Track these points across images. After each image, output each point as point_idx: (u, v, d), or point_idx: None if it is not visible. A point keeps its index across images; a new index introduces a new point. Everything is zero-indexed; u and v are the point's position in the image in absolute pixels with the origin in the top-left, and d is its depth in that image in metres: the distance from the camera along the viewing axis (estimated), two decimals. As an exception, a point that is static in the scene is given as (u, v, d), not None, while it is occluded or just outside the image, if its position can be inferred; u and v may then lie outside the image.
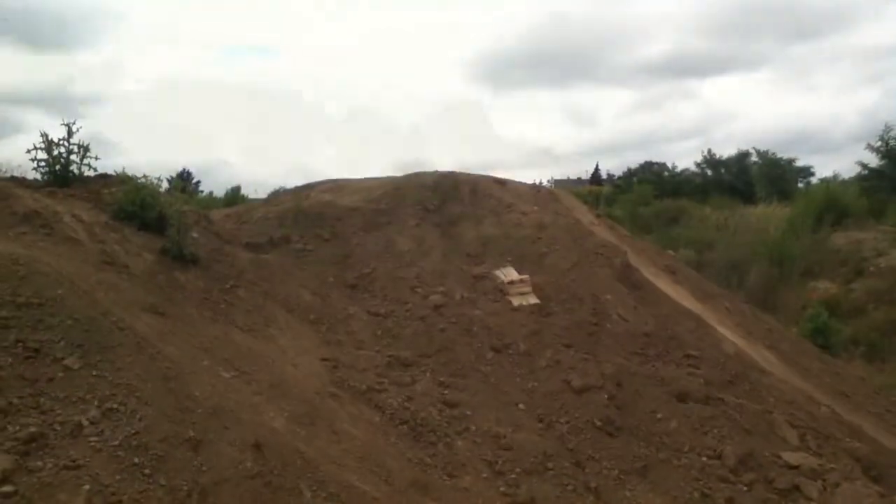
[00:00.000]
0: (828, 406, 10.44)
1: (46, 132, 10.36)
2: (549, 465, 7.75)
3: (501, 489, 7.31)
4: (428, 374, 9.05)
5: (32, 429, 4.87)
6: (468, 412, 8.36)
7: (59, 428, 5.01)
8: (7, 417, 4.89)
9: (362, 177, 14.94)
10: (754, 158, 46.92)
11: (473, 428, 8.10)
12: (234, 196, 29.47)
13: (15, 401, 5.04)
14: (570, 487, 7.55)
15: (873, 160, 33.15)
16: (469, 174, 15.20)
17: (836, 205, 28.64)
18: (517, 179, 16.26)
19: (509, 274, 11.54)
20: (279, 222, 12.29)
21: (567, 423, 8.55)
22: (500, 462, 7.64)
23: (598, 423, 8.55)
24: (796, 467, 8.42)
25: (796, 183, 43.47)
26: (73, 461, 4.80)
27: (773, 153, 45.41)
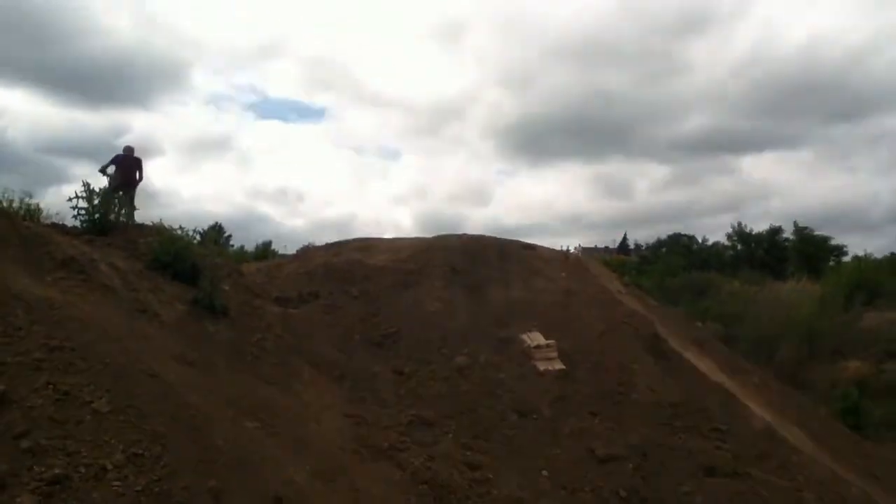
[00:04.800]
0: (859, 487, 10.15)
1: (88, 181, 10.66)
2: (572, 534, 7.59)
3: (522, 557, 7.16)
4: (450, 436, 8.98)
5: (57, 470, 4.88)
6: (490, 475, 8.25)
7: (83, 471, 5.02)
8: (34, 458, 4.92)
9: (392, 237, 15.12)
10: (787, 235, 46.60)
11: (495, 492, 7.97)
12: (265, 251, 29.78)
13: (43, 441, 5.07)
14: (592, 559, 7.38)
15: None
16: (497, 238, 15.32)
17: (868, 283, 28.22)
18: (546, 245, 16.35)
19: (536, 338, 11.50)
20: (309, 278, 12.42)
21: (591, 491, 8.40)
22: (521, 529, 7.50)
23: (623, 494, 8.38)
24: (827, 549, 8.16)
25: (828, 261, 42.89)
26: (96, 505, 4.79)
27: (810, 229, 45.01)
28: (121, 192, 11.33)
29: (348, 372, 9.92)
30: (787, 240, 46.80)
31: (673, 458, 9.23)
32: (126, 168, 12.17)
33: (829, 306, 26.36)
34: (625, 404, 10.13)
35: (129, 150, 12.55)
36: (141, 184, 12.41)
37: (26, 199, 10.14)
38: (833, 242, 45.32)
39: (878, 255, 38.40)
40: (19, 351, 5.87)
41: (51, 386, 5.66)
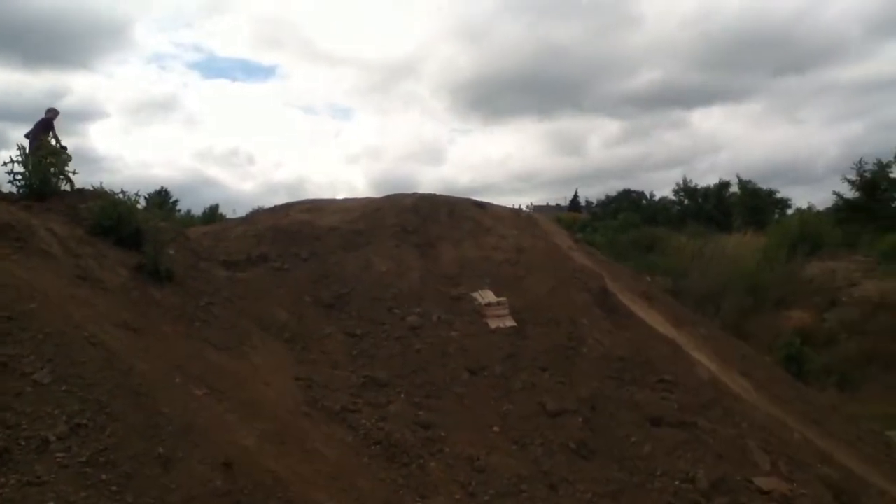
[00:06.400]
0: (800, 433, 10.51)
1: (24, 146, 10.31)
2: (523, 487, 7.73)
3: (474, 511, 7.27)
4: (402, 395, 9.02)
5: (-3, 443, 4.78)
6: (442, 433, 8.33)
7: (24, 443, 4.93)
8: (-28, 432, 4.81)
9: (342, 197, 14.97)
10: (734, 189, 47.28)
11: (447, 449, 8.06)
12: (212, 215, 29.32)
13: (-20, 415, 4.95)
14: (543, 511, 7.53)
15: (848, 191, 34.07)
16: (448, 196, 15.25)
17: (810, 235, 28.96)
18: (499, 204, 16.38)
19: (487, 296, 11.55)
20: (257, 241, 12.23)
21: (541, 445, 8.54)
22: (473, 484, 7.61)
23: (573, 447, 8.55)
24: (768, 493, 8.47)
25: (773, 213, 43.79)
26: (38, 477, 4.72)
27: (754, 183, 45.82)
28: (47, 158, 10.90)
29: (299, 334, 9.87)
30: (733, 194, 47.58)
31: (621, 409, 9.43)
32: (40, 130, 11.73)
33: (772, 258, 27.03)
34: (574, 359, 10.29)
35: (49, 113, 12.06)
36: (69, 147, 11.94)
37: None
38: (778, 195, 46.29)
39: (821, 206, 39.41)
40: (-47, 322, 5.72)
41: (-12, 357, 5.52)
